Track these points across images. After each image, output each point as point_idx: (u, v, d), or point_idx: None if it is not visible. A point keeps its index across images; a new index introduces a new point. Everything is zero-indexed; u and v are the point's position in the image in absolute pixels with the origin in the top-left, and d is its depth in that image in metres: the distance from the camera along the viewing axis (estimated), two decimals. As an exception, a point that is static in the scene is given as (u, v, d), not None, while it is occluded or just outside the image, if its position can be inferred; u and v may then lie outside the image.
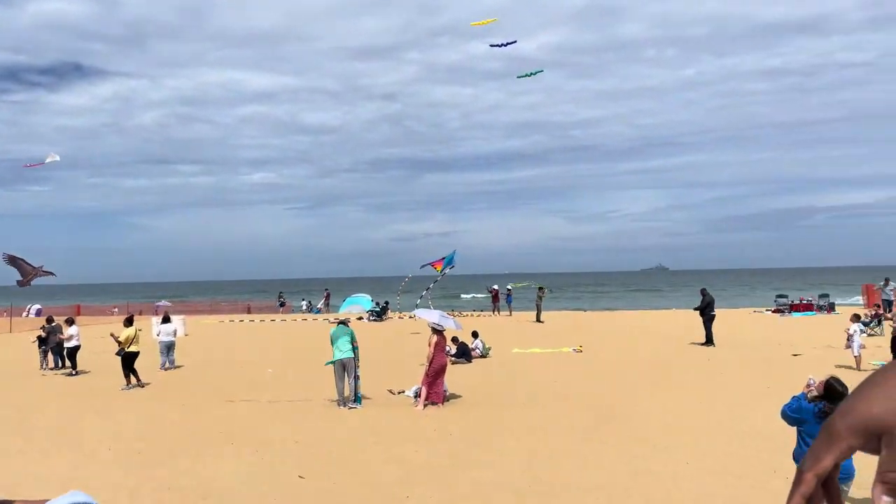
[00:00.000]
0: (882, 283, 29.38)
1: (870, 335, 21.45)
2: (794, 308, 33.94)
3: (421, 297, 37.63)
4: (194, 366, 18.69)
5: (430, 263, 36.26)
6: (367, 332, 25.77)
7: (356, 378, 12.76)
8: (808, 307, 33.81)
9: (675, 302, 53.15)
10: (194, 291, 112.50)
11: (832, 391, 5.78)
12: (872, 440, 0.65)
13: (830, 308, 33.65)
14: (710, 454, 9.05)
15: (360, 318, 34.32)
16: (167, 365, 18.15)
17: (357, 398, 12.74)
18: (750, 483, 7.86)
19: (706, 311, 21.19)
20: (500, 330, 27.81)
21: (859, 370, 15.03)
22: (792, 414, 5.83)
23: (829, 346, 19.62)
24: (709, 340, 20.80)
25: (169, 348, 18.20)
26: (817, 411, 5.71)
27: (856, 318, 16.38)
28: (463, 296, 73.91)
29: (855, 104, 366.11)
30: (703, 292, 21.81)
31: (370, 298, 29.03)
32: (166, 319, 18.96)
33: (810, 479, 0.66)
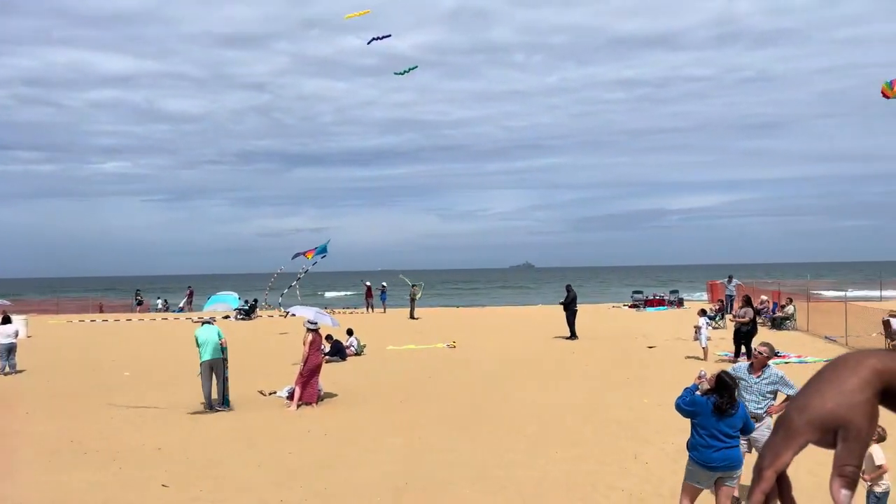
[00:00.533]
0: (726, 280, 31.97)
1: (715, 328, 23.14)
2: (648, 303, 36.11)
3: (284, 293, 36.77)
4: (39, 370, 17.20)
5: (301, 253, 35.61)
6: (235, 331, 24.79)
7: (224, 380, 12.28)
8: (660, 302, 36.15)
9: (541, 298, 55.21)
10: (36, 289, 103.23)
11: (723, 385, 5.89)
12: (829, 434, 0.67)
13: (679, 303, 36.17)
14: (577, 443, 9.50)
15: (227, 317, 33.05)
16: (7, 369, 16.72)
17: (225, 401, 12.27)
18: (615, 469, 8.34)
19: (570, 307, 22.17)
20: (374, 327, 27.67)
21: (706, 360, 16.33)
22: (686, 407, 5.93)
23: (679, 338, 21.10)
24: (572, 334, 21.75)
25: (9, 351, 16.82)
26: (711, 405, 5.82)
27: (702, 312, 17.76)
28: (328, 294, 73.02)
29: (700, 115, 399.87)
30: (568, 288, 22.82)
31: (237, 296, 27.85)
32: (6, 320, 17.50)
33: (770, 476, 0.67)
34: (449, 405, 12.15)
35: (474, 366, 16.74)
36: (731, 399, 5.87)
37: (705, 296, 43.05)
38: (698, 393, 6.17)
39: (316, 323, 12.85)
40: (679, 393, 6.23)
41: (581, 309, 23.58)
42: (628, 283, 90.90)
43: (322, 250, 35.98)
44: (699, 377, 6.62)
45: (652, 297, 37.22)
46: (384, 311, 37.29)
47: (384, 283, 39.20)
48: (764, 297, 26.22)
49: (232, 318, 32.90)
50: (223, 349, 12.36)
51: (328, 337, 18.18)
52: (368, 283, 38.84)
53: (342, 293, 73.98)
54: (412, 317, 32.37)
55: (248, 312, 33.80)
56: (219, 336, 12.39)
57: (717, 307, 25.89)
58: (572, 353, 18.48)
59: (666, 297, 37.18)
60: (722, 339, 20.16)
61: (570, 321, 22.01)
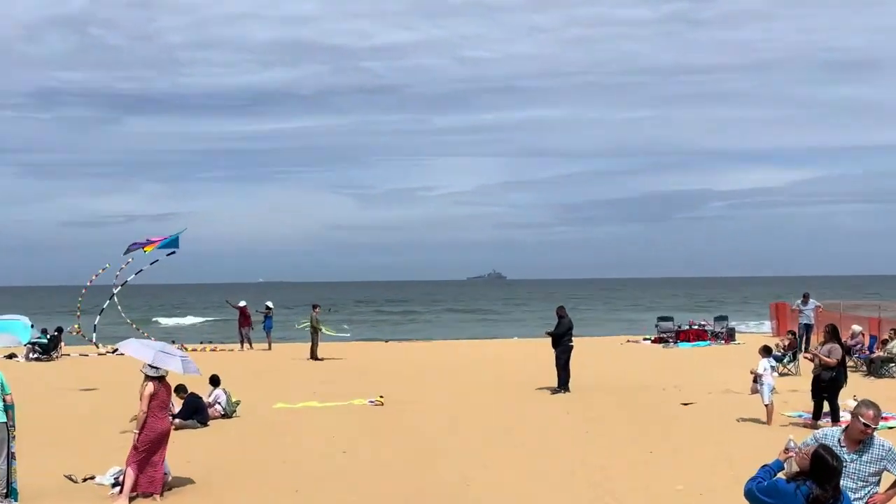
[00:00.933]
0: (799, 302, 32.13)
1: (783, 374, 23.87)
2: (681, 336, 36.74)
3: (101, 312, 36.26)
4: None
5: (139, 245, 35.20)
6: (26, 378, 24.21)
7: (10, 458, 11.97)
8: (699, 335, 36.86)
9: (516, 327, 55.90)
10: None
11: (824, 467, 5.86)
12: None
13: (729, 336, 37.00)
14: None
15: (13, 357, 32.51)
16: None
17: (11, 492, 11.98)
18: None
19: (562, 341, 22.33)
20: (254, 373, 27.63)
21: (769, 424, 16.64)
22: (765, 498, 5.92)
23: (729, 389, 21.61)
24: (564, 384, 22.01)
25: None
26: (804, 498, 5.80)
27: (765, 351, 18.12)
28: (179, 320, 72.15)
29: (762, 46, 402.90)
30: (560, 313, 23.03)
31: (28, 322, 27.23)
32: None
33: None
34: (372, 498, 12.10)
35: (413, 435, 16.76)
36: (835, 491, 5.86)
37: (768, 325, 44.23)
38: (783, 476, 6.15)
39: (159, 368, 12.63)
40: (745, 473, 6.25)
41: (579, 344, 23.80)
42: (651, 304, 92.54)
43: (172, 243, 35.63)
44: (786, 450, 6.58)
45: (687, 327, 37.91)
46: (269, 347, 37.43)
47: (269, 304, 39.09)
48: (857, 328, 26.89)
49: (20, 358, 32.51)
50: (8, 408, 12.06)
51: (179, 389, 17.94)
52: (243, 304, 38.84)
53: (200, 319, 73.47)
54: (314, 356, 32.40)
55: (46, 349, 33.11)
56: (1, 387, 12.08)
57: (787, 343, 26.51)
58: (566, 414, 18.67)
59: (708, 327, 37.99)
60: (794, 391, 20.65)
61: (562, 363, 22.15)
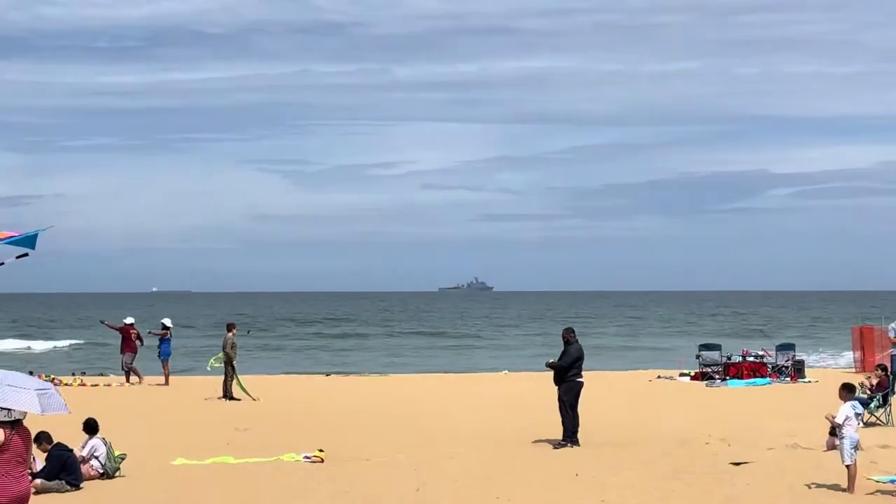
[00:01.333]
0: (894, 326, 31.53)
1: (869, 424, 23.76)
2: (730, 371, 36.83)
3: None
4: None
5: None
6: None
7: None
8: (756, 369, 36.98)
9: (506, 356, 55.81)
10: None
11: None
12: None
13: (797, 371, 37.09)
14: None
15: None
16: None
17: None
18: None
19: (568, 376, 22.31)
20: (143, 416, 27.58)
21: (852, 492, 16.53)
22: None
23: (797, 444, 21.55)
24: (571, 435, 21.97)
25: None
26: None
27: (847, 392, 17.79)
28: (34, 344, 71.89)
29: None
30: (567, 338, 22.89)
31: None
32: None
33: None
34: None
35: None
36: None
37: (849, 356, 44.33)
38: None
39: (10, 411, 12.44)
40: None
41: (591, 380, 23.94)
42: (688, 326, 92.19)
43: (23, 241, 35.28)
44: None
45: (739, 359, 38.02)
46: (165, 382, 37.44)
47: (166, 322, 38.79)
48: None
49: None
50: None
51: (41, 438, 17.80)
52: (130, 321, 38.81)
53: (66, 343, 72.63)
54: (227, 395, 32.53)
55: None
56: None
57: (877, 381, 26.42)
58: (574, 478, 18.56)
59: (768, 359, 38.12)
60: (885, 446, 20.70)
61: (569, 406, 22.19)
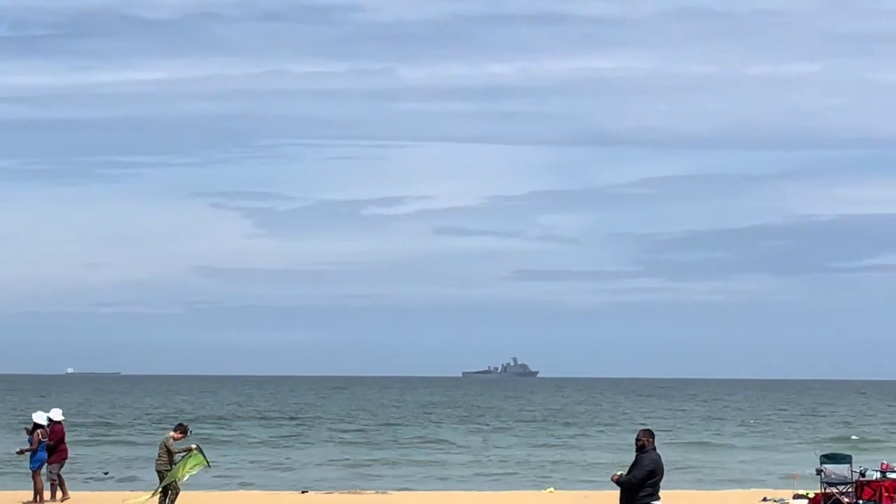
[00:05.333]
0: None
1: None
2: (866, 493, 33.63)
3: None
4: None
5: None
6: None
7: None
8: (901, 486, 36.36)
9: (553, 469, 52.60)
10: None
11: None
12: None
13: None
14: None
15: None
16: None
17: None
18: None
19: (640, 496, 19.41)
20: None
21: None
22: None
23: None
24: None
25: None
26: None
27: None
28: None
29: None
30: (644, 441, 19.48)
31: None
32: None
33: None
34: None
35: None
36: None
37: None
38: None
39: None
40: None
41: (677, 500, 22.15)
42: (805, 430, 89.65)
43: None
44: None
45: (878, 474, 34.53)
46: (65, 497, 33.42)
47: (49, 415, 34.00)
48: None
49: None
50: None
51: None
52: (59, 416, 34.20)
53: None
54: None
55: None
56: None
57: None
58: None
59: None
60: None
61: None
